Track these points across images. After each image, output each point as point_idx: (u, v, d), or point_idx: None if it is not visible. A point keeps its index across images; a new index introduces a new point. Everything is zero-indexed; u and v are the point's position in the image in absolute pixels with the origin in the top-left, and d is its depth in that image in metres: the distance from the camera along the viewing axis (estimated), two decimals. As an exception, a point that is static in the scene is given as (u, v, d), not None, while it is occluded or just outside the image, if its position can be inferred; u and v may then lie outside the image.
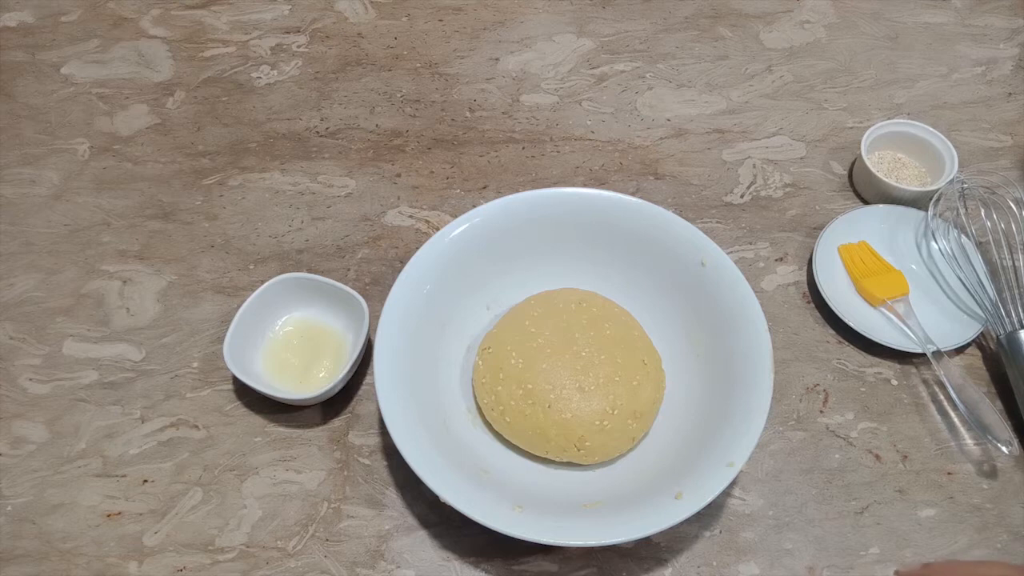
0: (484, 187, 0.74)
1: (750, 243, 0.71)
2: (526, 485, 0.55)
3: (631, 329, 0.60)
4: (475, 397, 0.59)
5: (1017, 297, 0.65)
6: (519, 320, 0.60)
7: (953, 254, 0.67)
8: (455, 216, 0.62)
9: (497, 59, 0.83)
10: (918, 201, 0.70)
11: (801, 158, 0.76)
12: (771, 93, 0.81)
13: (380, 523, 0.57)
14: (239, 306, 0.61)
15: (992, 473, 0.60)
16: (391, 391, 0.54)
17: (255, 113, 0.78)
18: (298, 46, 0.83)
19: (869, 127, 0.73)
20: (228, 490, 0.58)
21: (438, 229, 0.62)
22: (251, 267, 0.69)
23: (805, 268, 0.69)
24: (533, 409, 0.55)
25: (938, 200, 0.68)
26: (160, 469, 0.59)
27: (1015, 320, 0.63)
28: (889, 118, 0.77)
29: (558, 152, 0.76)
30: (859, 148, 0.71)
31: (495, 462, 0.57)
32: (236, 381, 0.62)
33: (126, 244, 0.70)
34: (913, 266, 0.69)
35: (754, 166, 0.75)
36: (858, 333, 0.64)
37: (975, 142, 0.77)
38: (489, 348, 0.59)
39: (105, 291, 0.67)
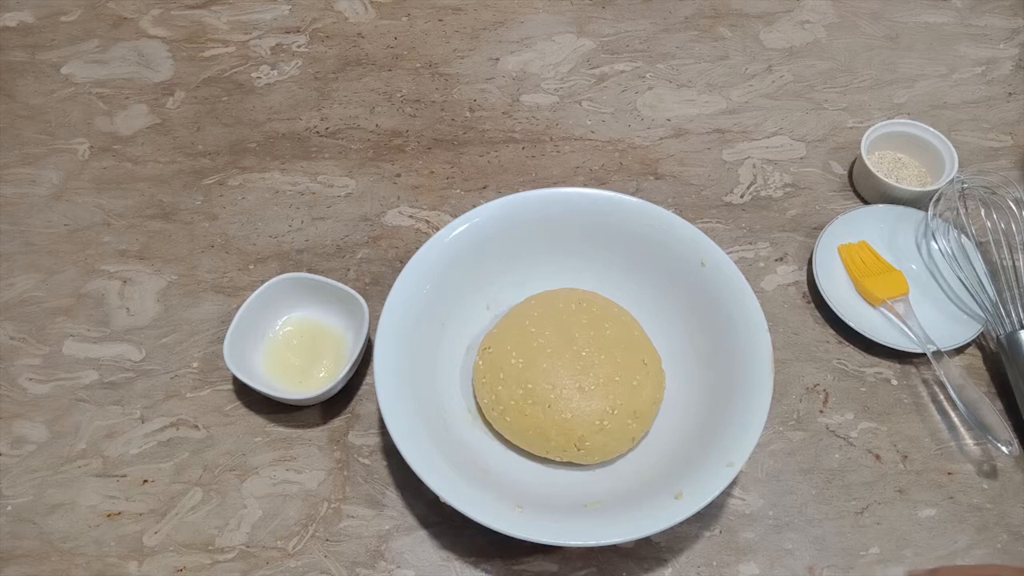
0: (484, 187, 0.74)
1: (750, 243, 0.71)
2: (526, 485, 0.55)
3: (631, 329, 0.60)
4: (475, 397, 0.59)
5: (1017, 297, 0.65)
6: (519, 320, 0.60)
7: (953, 254, 0.67)
8: (455, 216, 0.62)
9: (497, 59, 0.83)
10: (918, 201, 0.70)
11: (801, 158, 0.76)
12: (771, 93, 0.81)
13: (380, 523, 0.57)
14: (239, 306, 0.61)
15: (992, 473, 0.60)
16: (391, 391, 0.54)
17: (255, 113, 0.78)
18: (298, 46, 0.83)
19: (869, 127, 0.73)
20: (228, 490, 0.58)
21: (438, 229, 0.62)
22: (251, 267, 0.69)
23: (805, 268, 0.69)
24: (533, 409, 0.55)
25: (938, 200, 0.68)
26: (160, 469, 0.59)
27: (1015, 320, 0.63)
28: (889, 118, 0.77)
29: (558, 152, 0.76)
30: (859, 148, 0.71)
31: (495, 462, 0.57)
32: (236, 381, 0.62)
33: (126, 244, 0.70)
34: (913, 266, 0.69)
35: (754, 166, 0.75)
36: (858, 333, 0.64)
37: (975, 142, 0.77)
38: (489, 348, 0.59)
39: (105, 291, 0.67)
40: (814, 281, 0.66)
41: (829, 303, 0.65)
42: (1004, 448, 0.58)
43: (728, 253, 0.60)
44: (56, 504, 0.58)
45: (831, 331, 0.66)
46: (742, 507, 0.58)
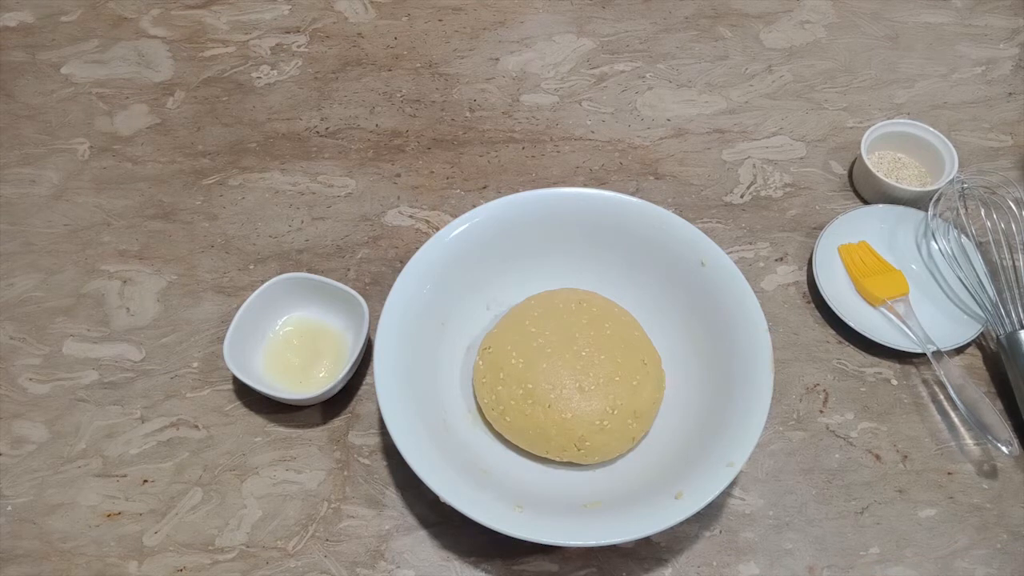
0: (484, 187, 0.74)
1: (750, 243, 0.71)
2: (526, 485, 0.55)
3: (631, 329, 0.60)
4: (475, 397, 0.59)
5: (1017, 297, 0.65)
6: (519, 320, 0.60)
7: (953, 254, 0.67)
8: (455, 216, 0.62)
9: (497, 59, 0.83)
10: (918, 201, 0.70)
11: (801, 158, 0.76)
12: (771, 93, 0.81)
13: (380, 523, 0.57)
14: (239, 306, 0.61)
15: (992, 473, 0.60)
16: (391, 391, 0.54)
17: (255, 113, 0.78)
18: (298, 46, 0.83)
19: (869, 127, 0.73)
20: (228, 490, 0.58)
21: (438, 229, 0.62)
22: (251, 267, 0.69)
23: (805, 268, 0.69)
24: (533, 409, 0.55)
25: (938, 200, 0.68)
26: (160, 469, 0.59)
27: (1015, 320, 0.63)
28: (889, 118, 0.77)
29: (558, 152, 0.76)
30: (859, 148, 0.71)
31: (495, 462, 0.57)
32: (236, 381, 0.62)
33: (126, 244, 0.70)
34: (913, 266, 0.69)
35: (754, 166, 0.75)
36: (858, 333, 0.64)
37: (975, 142, 0.77)
38: (489, 348, 0.59)
39: (105, 291, 0.67)
40: (814, 281, 0.66)
41: (829, 303, 0.65)
42: (1004, 448, 0.58)
43: (728, 253, 0.60)
44: (56, 504, 0.58)
45: (831, 331, 0.66)
46: (742, 507, 0.58)
